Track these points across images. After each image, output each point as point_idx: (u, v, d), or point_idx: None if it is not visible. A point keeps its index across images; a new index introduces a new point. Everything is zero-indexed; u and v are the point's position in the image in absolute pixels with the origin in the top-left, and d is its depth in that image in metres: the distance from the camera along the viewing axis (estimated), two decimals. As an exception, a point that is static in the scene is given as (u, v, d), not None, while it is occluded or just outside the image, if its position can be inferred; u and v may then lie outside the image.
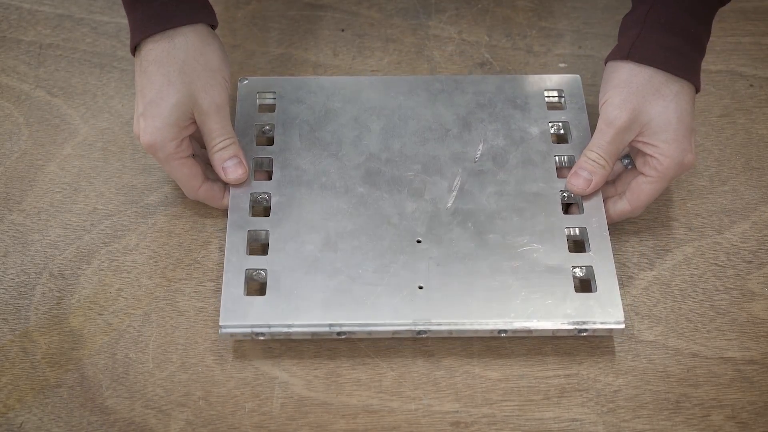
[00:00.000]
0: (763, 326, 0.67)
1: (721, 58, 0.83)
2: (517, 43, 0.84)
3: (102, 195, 0.73)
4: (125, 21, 0.85)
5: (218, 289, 0.68)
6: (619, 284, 0.66)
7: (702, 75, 0.70)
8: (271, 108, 0.75)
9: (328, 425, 0.62)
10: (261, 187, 0.69)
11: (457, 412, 0.63)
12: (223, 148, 0.68)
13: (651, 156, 0.67)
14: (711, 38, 0.70)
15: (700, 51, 0.69)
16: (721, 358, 0.66)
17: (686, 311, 0.68)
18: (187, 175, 0.68)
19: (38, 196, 0.73)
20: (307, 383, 0.64)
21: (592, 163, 0.68)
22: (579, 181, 0.69)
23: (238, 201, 0.68)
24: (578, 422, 0.62)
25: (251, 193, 0.69)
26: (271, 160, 0.71)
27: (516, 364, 0.65)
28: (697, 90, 0.69)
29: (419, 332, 0.63)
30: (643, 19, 0.68)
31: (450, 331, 0.63)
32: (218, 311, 0.66)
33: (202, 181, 0.69)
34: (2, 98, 0.79)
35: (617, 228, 0.71)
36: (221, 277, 0.68)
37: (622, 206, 0.69)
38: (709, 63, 0.82)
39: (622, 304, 0.65)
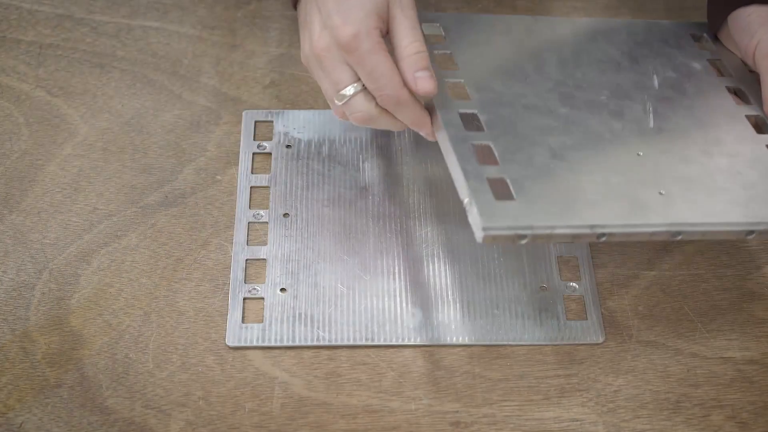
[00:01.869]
0: (763, 326, 0.67)
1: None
2: (517, 43, 0.84)
3: (102, 195, 0.73)
4: (125, 21, 0.85)
5: (218, 289, 0.68)
6: (619, 284, 0.66)
7: None
8: (438, 38, 0.72)
9: (328, 425, 0.62)
10: (466, 106, 0.66)
11: (457, 412, 0.63)
12: (416, 52, 0.62)
13: None
14: None
15: None
16: (721, 358, 0.66)
17: (686, 311, 0.68)
18: (393, 68, 0.61)
19: (38, 196, 0.73)
20: (307, 383, 0.64)
21: None
22: None
23: (450, 117, 0.64)
24: (578, 422, 0.62)
25: (459, 111, 0.65)
26: (462, 84, 0.68)
27: (516, 364, 0.65)
28: None
29: (675, 233, 0.61)
30: None
31: (703, 233, 0.62)
32: (218, 311, 0.66)
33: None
34: (2, 98, 0.79)
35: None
36: (221, 277, 0.68)
37: None
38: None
39: (623, 304, 0.65)
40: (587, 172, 0.63)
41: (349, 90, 0.63)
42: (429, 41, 0.69)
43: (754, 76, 0.71)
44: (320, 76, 0.64)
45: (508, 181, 0.61)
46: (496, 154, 0.63)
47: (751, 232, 0.62)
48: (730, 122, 0.69)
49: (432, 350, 0.65)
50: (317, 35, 0.62)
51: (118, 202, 0.72)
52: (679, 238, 0.61)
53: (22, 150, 0.75)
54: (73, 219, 0.71)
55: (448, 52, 0.70)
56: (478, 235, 0.58)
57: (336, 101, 0.64)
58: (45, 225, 0.71)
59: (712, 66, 0.74)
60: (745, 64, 0.73)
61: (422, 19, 0.71)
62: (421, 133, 0.65)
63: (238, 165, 0.74)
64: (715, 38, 0.76)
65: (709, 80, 0.73)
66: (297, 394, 0.63)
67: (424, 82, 0.62)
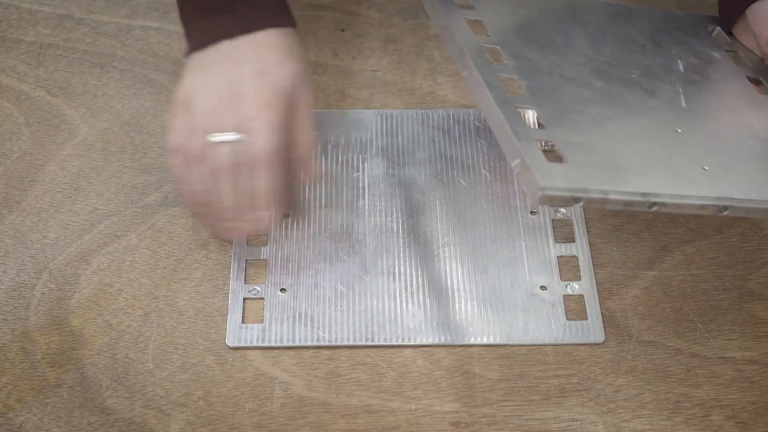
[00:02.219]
0: (763, 326, 0.67)
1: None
2: (517, 43, 0.84)
3: (102, 195, 0.73)
4: (125, 21, 0.85)
5: (218, 289, 0.68)
6: (619, 284, 0.66)
7: None
8: (468, 6, 0.71)
9: (328, 425, 0.62)
10: (505, 71, 0.66)
11: (457, 412, 0.63)
12: (311, 143, 0.66)
13: None
14: None
15: None
16: (721, 358, 0.66)
17: (686, 311, 0.68)
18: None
19: (38, 196, 0.73)
20: (307, 383, 0.64)
21: None
22: None
23: (491, 80, 0.64)
24: (578, 422, 0.62)
25: (499, 75, 0.65)
26: (497, 50, 0.68)
27: (516, 364, 0.65)
28: None
29: (721, 208, 0.61)
30: None
31: (747, 209, 0.62)
32: (218, 311, 0.66)
33: None
34: (2, 98, 0.79)
35: (617, 228, 0.71)
36: (221, 277, 0.68)
37: None
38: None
39: (623, 304, 0.65)
40: (631, 142, 0.63)
41: (231, 137, 0.63)
42: (459, 6, 0.69)
43: None
44: (196, 116, 0.64)
45: (558, 145, 0.61)
46: (542, 119, 0.62)
47: None
48: (756, 108, 0.70)
49: (432, 350, 0.65)
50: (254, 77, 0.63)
51: (118, 202, 0.72)
52: (725, 213, 0.61)
53: (22, 150, 0.75)
54: (73, 219, 0.71)
55: (480, 19, 0.69)
56: (535, 195, 0.57)
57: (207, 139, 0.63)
58: (45, 225, 0.71)
59: (729, 57, 0.75)
60: (762, 59, 0.74)
61: None
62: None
63: None
64: (729, 33, 0.77)
65: (729, 68, 0.73)
66: (297, 394, 0.63)
67: (312, 170, 0.66)
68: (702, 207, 0.61)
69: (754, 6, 0.73)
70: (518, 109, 0.62)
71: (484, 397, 0.63)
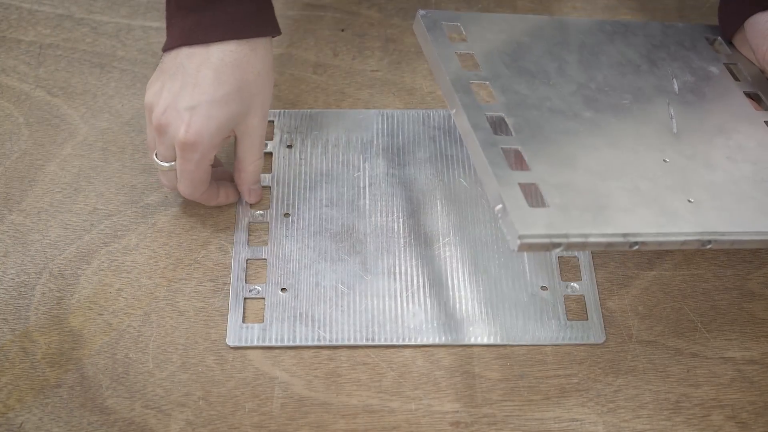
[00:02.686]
0: (763, 326, 0.67)
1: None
2: (517, 43, 0.84)
3: (102, 195, 0.73)
4: (125, 21, 0.85)
5: (218, 289, 0.68)
6: (619, 284, 0.66)
7: None
8: (462, 38, 0.71)
9: (328, 425, 0.62)
10: (492, 108, 0.66)
11: (457, 412, 0.63)
12: (255, 171, 0.69)
13: None
14: None
15: None
16: (721, 358, 0.66)
17: (686, 311, 0.68)
18: (205, 179, 0.68)
19: (38, 196, 0.73)
20: (307, 383, 0.64)
21: None
22: None
23: (478, 120, 0.64)
24: (578, 422, 0.62)
25: (486, 114, 0.65)
26: (486, 85, 0.68)
27: (516, 364, 0.65)
28: None
29: (705, 242, 0.61)
30: None
31: (732, 242, 0.61)
32: (218, 311, 0.66)
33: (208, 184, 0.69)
34: (2, 98, 0.79)
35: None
36: (221, 277, 0.68)
37: None
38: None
39: (623, 304, 0.65)
40: (616, 177, 0.63)
41: (165, 165, 0.68)
42: (451, 40, 0.69)
43: None
44: (150, 130, 0.68)
45: (541, 187, 0.61)
46: (526, 158, 0.62)
47: None
48: (751, 128, 0.69)
49: (432, 350, 0.65)
50: (170, 104, 0.65)
51: (118, 202, 0.72)
52: (710, 246, 0.61)
53: (22, 150, 0.75)
54: (73, 219, 0.71)
55: (471, 52, 0.70)
56: (514, 243, 0.57)
57: (153, 158, 0.68)
58: (45, 225, 0.71)
59: (727, 70, 0.74)
60: (762, 71, 0.73)
61: (444, 18, 0.71)
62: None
63: None
64: (729, 42, 0.75)
65: (726, 85, 0.72)
66: (297, 394, 0.63)
67: (255, 195, 0.71)
68: (685, 243, 0.60)
69: (752, 19, 0.71)
70: (504, 150, 0.62)
71: (484, 397, 0.63)
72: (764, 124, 0.69)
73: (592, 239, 0.59)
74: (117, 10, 0.86)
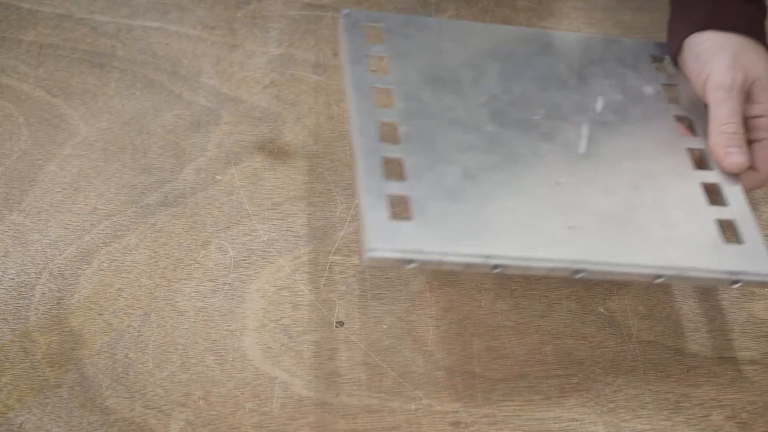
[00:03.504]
0: (763, 326, 0.67)
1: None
2: (517, 43, 0.84)
3: (102, 195, 0.73)
4: (125, 21, 0.85)
5: (218, 289, 0.68)
6: (619, 284, 0.66)
7: None
8: (379, 40, 0.71)
9: (328, 425, 0.62)
10: (387, 114, 0.65)
11: (457, 412, 0.63)
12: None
13: (761, 117, 0.66)
14: None
15: (765, 14, 0.70)
16: (721, 358, 0.66)
17: (686, 311, 0.68)
18: None
19: (38, 196, 0.73)
20: (307, 383, 0.64)
21: (737, 137, 0.65)
22: (736, 158, 0.65)
23: (368, 125, 0.64)
24: (578, 422, 0.62)
25: (378, 120, 0.64)
26: (389, 90, 0.67)
27: (516, 364, 0.65)
28: None
29: (575, 271, 0.59)
30: None
31: (605, 273, 0.60)
32: (218, 311, 0.66)
33: None
34: (2, 98, 0.79)
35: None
36: (221, 277, 0.68)
37: (754, 177, 0.67)
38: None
39: (623, 304, 0.65)
40: (498, 196, 0.61)
41: None
42: (369, 42, 0.69)
43: (707, 107, 0.68)
44: None
45: (410, 200, 0.60)
46: (405, 169, 0.61)
47: (659, 276, 0.60)
48: (669, 154, 0.67)
49: (432, 350, 0.65)
50: None
51: (118, 202, 0.72)
52: (580, 276, 0.59)
53: (22, 150, 0.75)
54: (73, 219, 0.71)
55: (386, 55, 0.69)
56: (363, 255, 0.57)
57: None
58: (45, 225, 0.71)
59: (666, 91, 0.71)
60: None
61: (366, 18, 0.71)
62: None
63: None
64: (676, 63, 0.73)
65: (657, 107, 0.70)
66: (297, 394, 0.63)
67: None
68: (552, 270, 0.59)
69: (689, 39, 0.69)
70: (384, 159, 0.61)
71: (484, 397, 0.63)
72: (686, 151, 0.67)
73: (449, 258, 0.58)
74: (117, 10, 0.86)
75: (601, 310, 0.68)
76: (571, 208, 0.62)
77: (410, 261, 0.57)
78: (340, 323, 0.66)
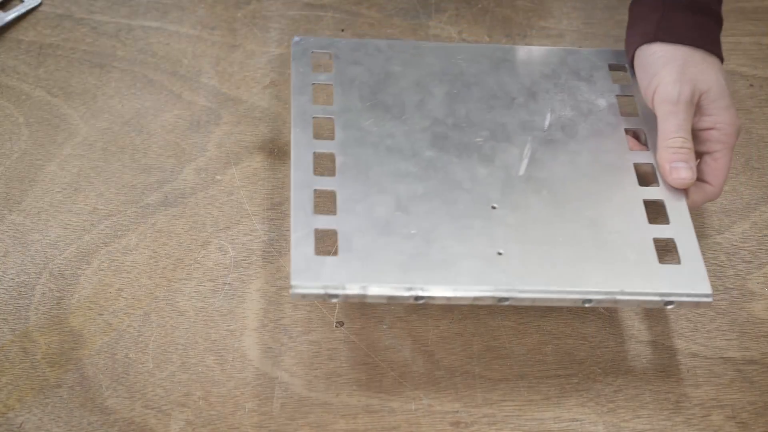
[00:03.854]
0: (763, 326, 0.67)
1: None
2: (517, 43, 0.84)
3: (102, 195, 0.73)
4: (125, 21, 0.85)
5: (218, 289, 0.68)
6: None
7: None
8: (327, 68, 0.72)
9: (328, 425, 0.62)
10: (324, 146, 0.66)
11: (457, 412, 0.63)
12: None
13: (711, 129, 0.66)
14: None
15: (720, 25, 0.69)
16: (721, 358, 0.66)
17: (686, 311, 0.68)
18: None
19: (38, 196, 0.73)
20: (307, 383, 0.64)
21: (683, 151, 0.65)
22: (682, 173, 0.65)
23: (303, 158, 0.65)
24: (578, 422, 0.62)
25: (314, 152, 0.65)
26: (331, 120, 0.68)
27: (516, 364, 0.65)
28: (722, 62, 0.68)
29: (501, 299, 0.60)
30: (662, 1, 0.68)
31: (533, 299, 0.60)
32: (218, 311, 0.66)
33: None
34: (2, 98, 0.79)
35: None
36: (221, 277, 0.68)
37: (706, 190, 0.66)
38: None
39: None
40: (428, 226, 0.62)
41: None
42: (316, 70, 0.70)
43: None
44: None
45: (339, 234, 0.61)
46: (338, 202, 0.62)
47: (588, 300, 0.60)
48: (613, 172, 0.66)
49: (432, 350, 0.65)
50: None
51: (118, 202, 0.72)
52: (506, 303, 0.60)
53: (22, 150, 0.75)
54: (73, 219, 0.71)
55: (330, 83, 0.70)
56: (292, 291, 0.58)
57: None
58: (45, 225, 0.71)
59: (620, 103, 0.71)
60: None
61: (316, 45, 0.72)
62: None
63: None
64: (633, 73, 0.71)
65: (608, 120, 0.69)
66: (297, 394, 0.63)
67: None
68: (477, 299, 0.60)
69: (640, 51, 0.68)
70: (316, 192, 0.62)
71: (484, 397, 0.63)
72: (632, 167, 0.66)
73: (372, 291, 0.59)
74: (117, 10, 0.86)
75: (601, 310, 0.68)
76: (503, 234, 0.62)
77: (334, 295, 0.59)
78: (340, 323, 0.67)
